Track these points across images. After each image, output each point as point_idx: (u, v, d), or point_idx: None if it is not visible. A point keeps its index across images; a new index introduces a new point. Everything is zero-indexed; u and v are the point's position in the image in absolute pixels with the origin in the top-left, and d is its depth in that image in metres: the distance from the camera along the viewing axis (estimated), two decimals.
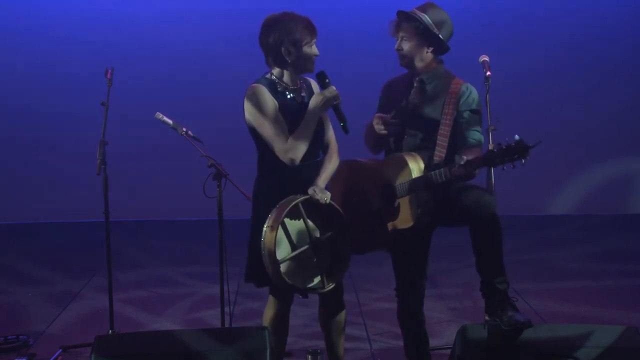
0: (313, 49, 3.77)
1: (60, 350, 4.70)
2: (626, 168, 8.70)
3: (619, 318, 5.23)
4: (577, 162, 8.63)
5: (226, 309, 4.44)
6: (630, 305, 5.51)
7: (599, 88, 8.53)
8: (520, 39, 8.38)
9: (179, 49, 8.30)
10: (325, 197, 3.72)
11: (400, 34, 3.91)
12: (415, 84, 3.94)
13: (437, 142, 3.84)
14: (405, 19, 3.91)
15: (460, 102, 3.85)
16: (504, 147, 3.47)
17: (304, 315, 5.31)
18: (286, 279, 3.69)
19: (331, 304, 4.00)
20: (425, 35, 3.88)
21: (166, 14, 8.35)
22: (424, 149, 3.88)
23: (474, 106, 3.87)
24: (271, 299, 3.94)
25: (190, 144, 4.43)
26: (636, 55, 8.51)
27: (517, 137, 3.45)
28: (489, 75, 4.08)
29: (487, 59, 4.17)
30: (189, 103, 7.99)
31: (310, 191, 3.71)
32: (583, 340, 3.56)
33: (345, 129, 3.75)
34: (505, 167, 3.51)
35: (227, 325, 4.46)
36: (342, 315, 4.03)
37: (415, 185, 3.78)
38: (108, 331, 4.68)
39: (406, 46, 3.90)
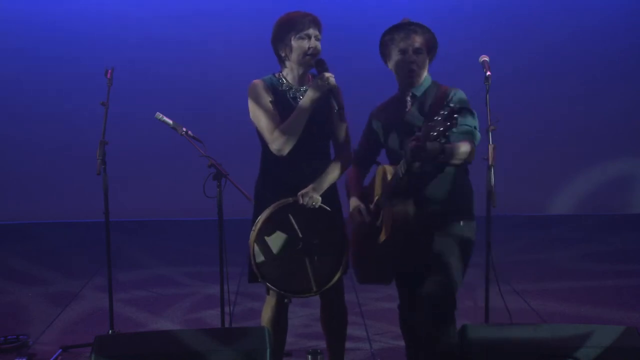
0: (302, 42, 3.69)
1: (60, 350, 4.70)
2: (626, 168, 8.70)
3: (619, 318, 5.23)
4: (578, 162, 8.64)
5: (226, 309, 4.43)
6: (630, 305, 5.51)
7: (599, 88, 8.53)
8: (520, 38, 8.38)
9: (179, 49, 8.30)
10: (313, 201, 3.68)
11: (417, 46, 3.67)
12: (408, 100, 3.74)
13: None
14: (419, 30, 3.69)
15: (445, 102, 3.60)
16: (438, 118, 3.15)
17: (304, 315, 5.32)
18: (266, 281, 3.72)
19: (332, 306, 3.99)
20: (434, 48, 3.75)
21: (166, 14, 8.35)
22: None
23: (459, 103, 3.57)
24: (268, 297, 3.94)
25: (190, 144, 4.43)
26: (635, 55, 8.52)
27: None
28: (489, 75, 4.08)
29: (487, 59, 4.17)
30: (189, 103, 8.00)
31: (298, 194, 3.69)
32: (583, 340, 3.55)
33: (339, 115, 3.63)
34: (443, 140, 3.19)
35: (227, 325, 4.46)
36: (343, 316, 4.02)
37: (389, 188, 3.59)
38: (108, 331, 4.68)
39: (420, 59, 3.69)
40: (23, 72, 8.31)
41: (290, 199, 3.70)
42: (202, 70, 8.30)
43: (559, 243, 7.51)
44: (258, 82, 3.81)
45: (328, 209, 3.73)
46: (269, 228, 3.72)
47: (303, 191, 3.69)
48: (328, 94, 3.64)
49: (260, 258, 3.72)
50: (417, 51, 3.67)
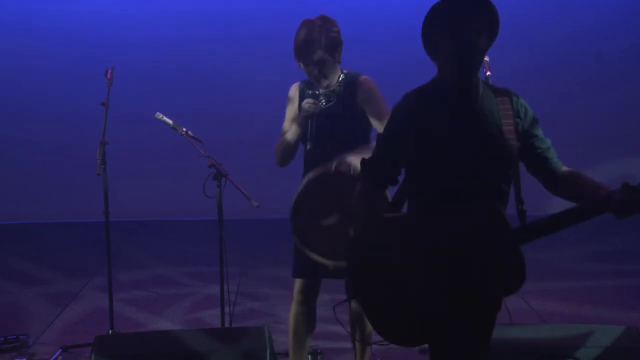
0: (306, 69, 3.76)
1: (60, 350, 4.70)
2: (626, 168, 8.70)
3: (619, 318, 5.22)
4: (577, 162, 8.56)
5: (226, 309, 4.43)
6: (630, 305, 5.51)
7: (599, 87, 8.53)
8: (519, 38, 8.38)
9: (180, 49, 8.30)
10: (351, 169, 3.57)
11: (473, 24, 2.77)
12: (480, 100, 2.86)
13: (513, 171, 2.96)
14: (478, 3, 2.79)
15: (521, 115, 2.92)
16: None
17: None
18: (307, 248, 3.64)
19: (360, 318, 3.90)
20: (494, 30, 2.89)
21: (167, 14, 8.35)
22: (494, 186, 2.92)
23: (535, 117, 2.98)
24: (297, 285, 3.87)
25: (190, 144, 4.43)
26: (636, 55, 8.52)
27: None
28: (489, 75, 4.07)
29: (487, 59, 4.16)
30: (189, 103, 8.00)
31: (335, 161, 3.60)
32: (583, 340, 3.56)
33: (304, 144, 3.73)
34: None
35: (227, 325, 4.46)
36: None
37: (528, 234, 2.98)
38: (108, 331, 4.68)
39: (483, 43, 2.83)
40: (23, 72, 8.30)
41: (329, 166, 3.61)
42: (202, 70, 8.30)
43: (559, 243, 7.50)
44: (293, 85, 3.92)
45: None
46: (308, 195, 3.63)
47: (340, 158, 3.62)
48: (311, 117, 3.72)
49: (301, 225, 3.64)
50: (478, 32, 2.83)
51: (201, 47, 8.29)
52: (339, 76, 3.83)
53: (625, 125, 8.58)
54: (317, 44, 3.73)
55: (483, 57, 2.87)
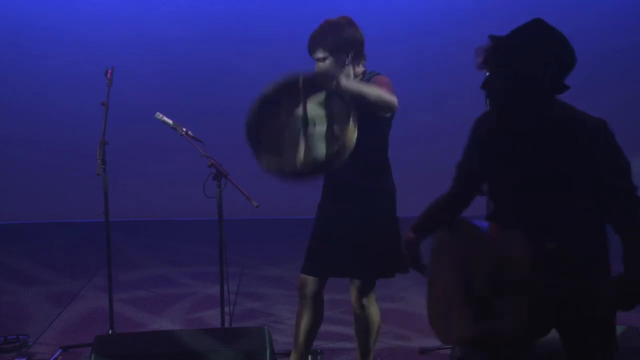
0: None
1: (60, 350, 4.70)
2: None
3: (619, 318, 5.20)
4: None
5: (226, 309, 4.43)
6: None
7: (599, 87, 8.52)
8: None
9: (180, 49, 8.30)
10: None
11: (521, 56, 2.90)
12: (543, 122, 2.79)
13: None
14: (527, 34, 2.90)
15: (593, 152, 2.86)
16: None
17: None
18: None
19: (356, 309, 3.90)
20: (555, 56, 2.90)
21: (167, 14, 8.34)
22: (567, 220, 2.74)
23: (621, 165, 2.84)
24: (303, 280, 3.86)
25: (190, 144, 4.43)
26: (636, 54, 8.52)
27: None
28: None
29: None
30: (189, 103, 7.99)
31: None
32: None
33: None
34: None
35: (227, 325, 4.46)
36: (368, 320, 3.88)
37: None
38: (108, 331, 4.68)
39: (531, 69, 2.85)
40: (23, 72, 8.30)
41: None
42: (202, 70, 8.29)
43: None
44: None
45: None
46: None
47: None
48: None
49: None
50: None
51: (201, 47, 8.28)
52: (359, 78, 3.81)
53: (627, 124, 8.58)
54: (320, 42, 3.75)
55: (534, 82, 2.73)
